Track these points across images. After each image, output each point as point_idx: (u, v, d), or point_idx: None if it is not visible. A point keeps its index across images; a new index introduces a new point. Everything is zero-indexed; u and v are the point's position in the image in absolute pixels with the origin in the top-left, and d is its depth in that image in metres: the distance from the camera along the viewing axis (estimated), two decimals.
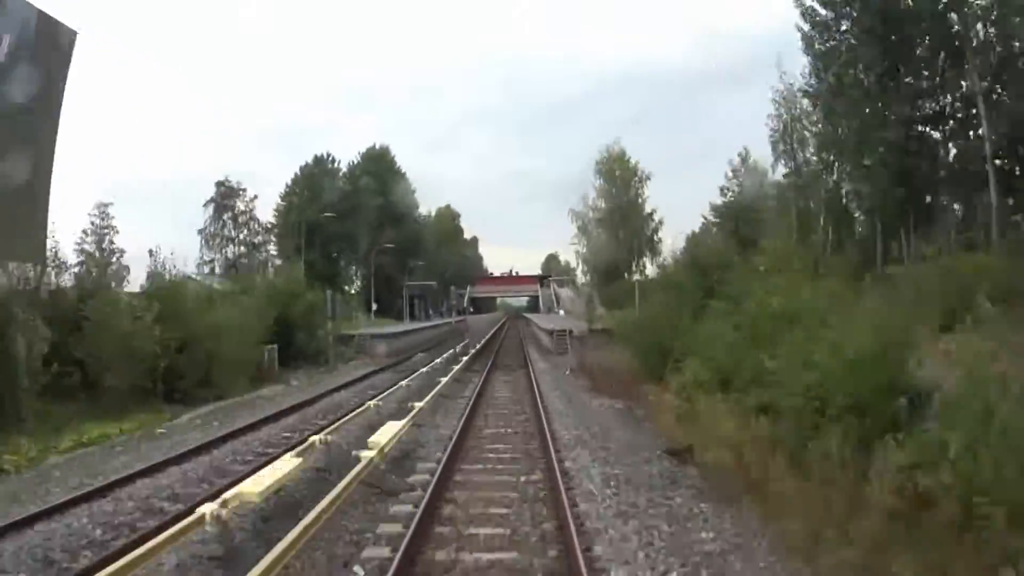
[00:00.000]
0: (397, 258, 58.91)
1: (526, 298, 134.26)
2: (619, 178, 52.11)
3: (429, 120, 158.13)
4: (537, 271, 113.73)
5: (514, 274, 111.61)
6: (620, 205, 51.82)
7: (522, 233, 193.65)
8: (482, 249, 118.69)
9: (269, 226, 56.68)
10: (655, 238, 53.19)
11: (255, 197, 54.28)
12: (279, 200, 57.93)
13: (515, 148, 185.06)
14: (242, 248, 54.14)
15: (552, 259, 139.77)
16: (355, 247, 55.23)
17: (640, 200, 52.82)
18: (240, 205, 53.87)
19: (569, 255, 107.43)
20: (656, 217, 53.16)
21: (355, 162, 61.13)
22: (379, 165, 60.26)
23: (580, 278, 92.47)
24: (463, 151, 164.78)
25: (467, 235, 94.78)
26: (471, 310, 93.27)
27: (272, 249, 56.56)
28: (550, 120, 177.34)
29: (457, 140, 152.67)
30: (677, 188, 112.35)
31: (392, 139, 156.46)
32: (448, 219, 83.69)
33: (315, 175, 57.80)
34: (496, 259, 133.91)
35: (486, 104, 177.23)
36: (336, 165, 60.13)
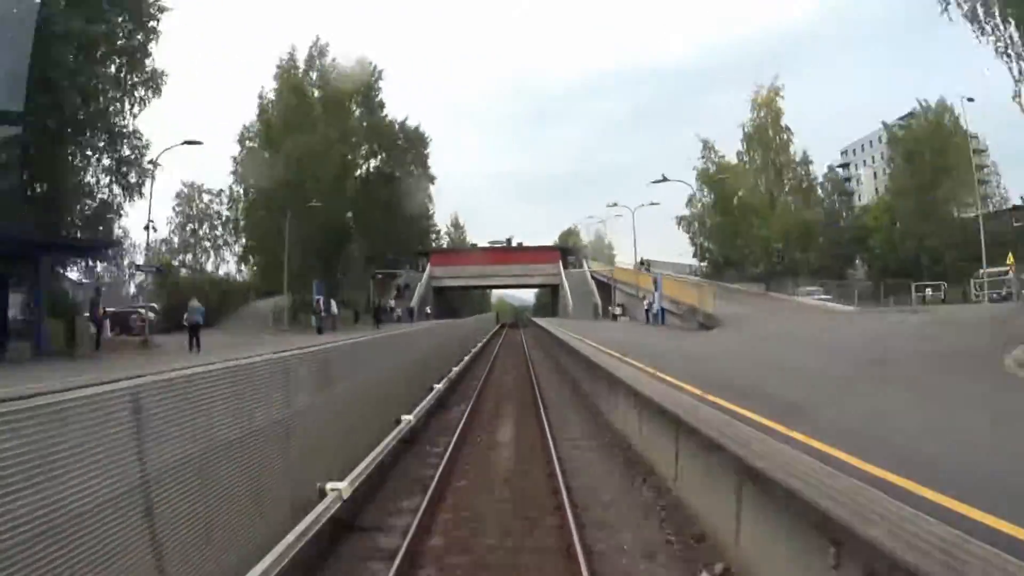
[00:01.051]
0: None
1: (535, 289, 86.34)
2: None
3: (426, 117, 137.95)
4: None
5: (515, 245, 63.86)
6: None
7: (518, 233, 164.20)
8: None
9: None
10: None
11: None
12: None
13: (508, 146, 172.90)
14: None
15: (571, 236, 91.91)
16: None
17: None
18: None
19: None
20: None
21: None
22: None
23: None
24: (455, 149, 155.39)
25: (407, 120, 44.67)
26: (427, 312, 46.34)
27: None
28: (544, 118, 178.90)
29: (448, 137, 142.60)
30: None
31: None
32: (344, 83, 35.66)
33: None
34: None
35: (478, 101, 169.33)
36: None
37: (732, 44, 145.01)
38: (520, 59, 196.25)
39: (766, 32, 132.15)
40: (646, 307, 27.34)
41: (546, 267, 56.46)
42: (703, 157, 39.12)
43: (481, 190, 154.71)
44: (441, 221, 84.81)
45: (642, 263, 42.74)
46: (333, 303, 29.13)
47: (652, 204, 36.39)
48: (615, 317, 34.85)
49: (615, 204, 36.49)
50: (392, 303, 43.87)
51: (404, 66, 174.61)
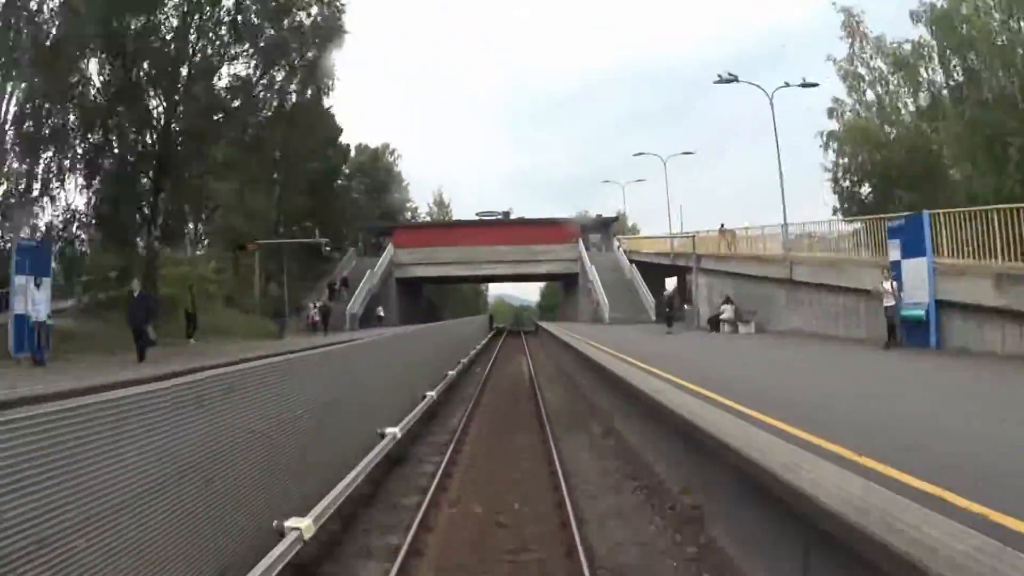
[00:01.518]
0: None
1: (541, 282, 69.28)
2: None
3: (425, 117, 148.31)
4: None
5: (515, 218, 46.95)
6: None
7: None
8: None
9: None
10: None
11: None
12: None
13: (508, 146, 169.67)
14: None
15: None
16: None
17: None
18: None
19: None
20: None
21: None
22: None
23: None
24: (459, 149, 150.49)
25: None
26: (379, 316, 29.33)
27: None
28: (545, 119, 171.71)
29: (447, 137, 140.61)
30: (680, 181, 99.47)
31: (389, 138, 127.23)
32: None
33: None
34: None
35: (478, 101, 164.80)
36: None
37: (732, 44, 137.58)
38: (520, 59, 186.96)
39: (766, 32, 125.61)
40: (891, 301, 10.57)
41: (559, 249, 39.57)
42: (847, 37, 22.55)
43: (479, 189, 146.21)
44: (422, 200, 68.01)
45: (723, 229, 25.91)
46: (42, 303, 11.98)
47: (806, 84, 18.68)
48: (717, 325, 18.04)
49: (731, 78, 18.05)
50: (315, 304, 27.08)
51: (403, 66, 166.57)
